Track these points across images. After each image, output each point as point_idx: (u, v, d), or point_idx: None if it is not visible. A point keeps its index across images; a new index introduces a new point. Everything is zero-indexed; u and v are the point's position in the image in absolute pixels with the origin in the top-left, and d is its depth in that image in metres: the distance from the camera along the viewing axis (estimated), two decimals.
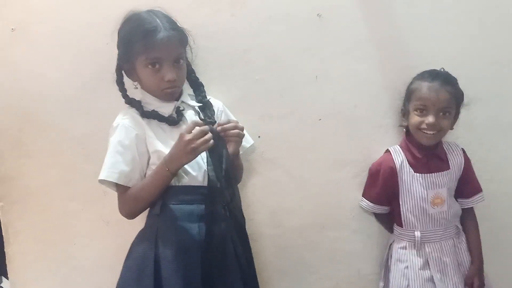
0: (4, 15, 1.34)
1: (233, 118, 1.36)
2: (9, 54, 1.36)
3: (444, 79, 1.34)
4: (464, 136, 1.49)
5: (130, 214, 1.20)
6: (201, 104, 1.30)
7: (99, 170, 1.35)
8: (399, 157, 1.40)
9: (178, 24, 1.19)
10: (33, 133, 1.39)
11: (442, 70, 1.38)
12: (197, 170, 1.20)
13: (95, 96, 1.38)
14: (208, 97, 1.33)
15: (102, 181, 1.16)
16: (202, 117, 1.26)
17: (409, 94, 1.38)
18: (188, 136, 1.10)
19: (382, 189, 1.42)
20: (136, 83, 1.23)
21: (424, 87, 1.33)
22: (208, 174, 1.18)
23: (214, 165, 1.16)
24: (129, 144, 1.17)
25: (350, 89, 1.47)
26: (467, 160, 1.43)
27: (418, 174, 1.38)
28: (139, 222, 1.24)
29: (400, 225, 1.42)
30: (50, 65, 1.37)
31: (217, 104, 1.34)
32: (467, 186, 1.43)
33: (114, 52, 1.24)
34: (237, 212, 1.21)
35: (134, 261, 1.16)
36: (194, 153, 1.11)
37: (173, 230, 1.16)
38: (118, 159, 1.16)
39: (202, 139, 1.10)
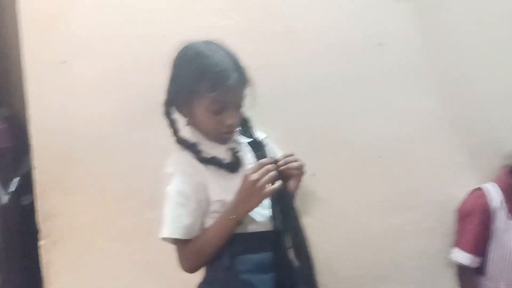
0: (53, 48, 1.33)
1: (278, 152, 1.27)
2: (56, 88, 1.34)
3: None
4: None
5: (193, 268, 1.10)
6: (251, 140, 1.21)
7: (142, 208, 1.35)
8: (496, 198, 1.24)
9: (240, 63, 1.11)
10: (76, 169, 1.36)
11: None
12: (262, 215, 1.11)
13: (138, 132, 1.34)
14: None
15: (165, 238, 1.08)
16: (256, 155, 1.17)
17: None
18: (253, 176, 1.02)
19: (479, 235, 1.25)
20: (186, 119, 1.14)
21: None
22: (272, 216, 1.10)
23: (278, 206, 1.09)
24: (190, 194, 1.07)
25: (414, 124, 1.36)
26: None
27: None
28: None
29: (483, 273, 1.26)
30: (95, 99, 1.35)
31: (261, 137, 1.25)
32: None
33: (159, 87, 1.17)
34: (304, 257, 1.10)
35: None
36: (262, 195, 1.02)
37: (248, 285, 1.06)
38: (180, 212, 1.06)
39: (267, 177, 1.02)
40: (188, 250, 1.07)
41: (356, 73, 1.34)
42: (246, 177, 1.03)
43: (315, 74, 1.34)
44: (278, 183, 1.03)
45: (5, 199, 1.44)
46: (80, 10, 1.33)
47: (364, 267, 1.36)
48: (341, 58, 1.33)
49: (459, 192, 1.34)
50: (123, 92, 1.34)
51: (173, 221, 1.05)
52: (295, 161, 1.12)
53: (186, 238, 1.06)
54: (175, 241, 1.08)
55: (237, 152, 1.15)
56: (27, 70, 1.34)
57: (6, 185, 1.46)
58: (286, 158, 1.11)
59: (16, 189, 1.47)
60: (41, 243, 1.34)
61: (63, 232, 1.34)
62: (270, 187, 1.02)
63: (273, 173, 1.03)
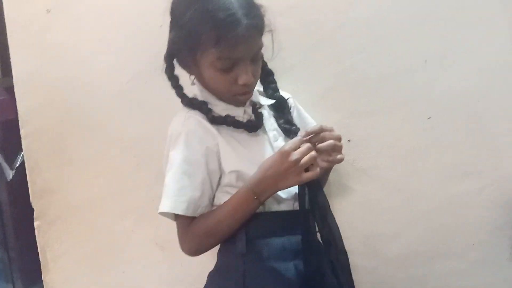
0: None
1: (308, 117, 1.09)
2: (46, 40, 1.16)
3: None
4: None
5: (198, 251, 0.95)
6: (274, 101, 1.02)
7: (152, 181, 1.17)
8: None
9: (254, 1, 0.89)
10: (75, 135, 1.20)
11: None
12: (286, 191, 0.93)
13: (150, 89, 1.15)
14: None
15: (164, 213, 0.92)
16: (280, 121, 1.00)
17: None
18: (294, 155, 0.85)
19: None
20: (192, 77, 0.96)
21: None
22: (299, 193, 0.93)
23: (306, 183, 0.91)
24: (198, 161, 0.91)
25: (476, 75, 1.12)
26: None
27: None
28: None
29: None
30: (94, 51, 1.17)
31: (285, 98, 1.07)
32: None
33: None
34: (335, 241, 0.94)
35: None
36: (299, 179, 0.87)
37: (267, 275, 0.90)
38: (185, 182, 0.90)
39: (309, 158, 0.86)
40: (193, 230, 0.92)
41: (403, 16, 1.11)
42: (284, 153, 0.86)
43: (355, 17, 1.11)
44: (318, 169, 0.88)
45: (11, 175, 1.40)
46: None
47: (412, 245, 1.18)
48: None
49: None
50: (126, 44, 1.15)
51: (176, 194, 0.90)
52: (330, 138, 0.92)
53: (191, 215, 0.91)
54: (178, 218, 0.92)
55: (259, 107, 0.97)
56: (9, 23, 1.15)
57: (11, 160, 1.41)
58: (323, 134, 0.91)
59: (21, 164, 1.38)
60: (36, 224, 1.18)
61: (61, 211, 1.21)
62: (310, 172, 0.87)
63: (314, 153, 0.87)
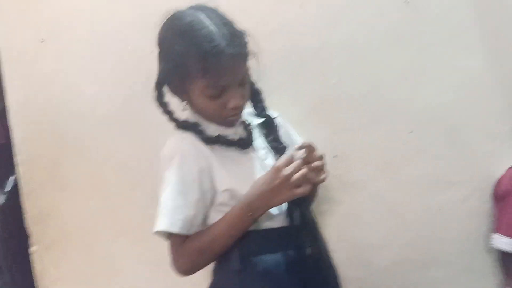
0: (31, 24, 1.17)
1: (295, 135, 1.13)
2: (39, 68, 1.19)
3: None
4: None
5: (191, 270, 0.95)
6: (263, 120, 1.05)
7: (147, 202, 1.16)
8: None
9: (237, 28, 0.93)
10: (69, 160, 1.21)
11: None
12: (278, 208, 0.95)
13: (141, 112, 1.17)
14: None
15: (159, 232, 0.93)
16: (269, 139, 1.03)
17: None
18: (287, 171, 0.88)
19: None
20: (184, 103, 0.99)
21: None
22: (288, 210, 0.95)
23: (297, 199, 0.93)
24: (192, 181, 0.92)
25: (453, 89, 1.17)
26: None
27: None
28: None
29: None
30: (85, 78, 1.19)
31: (273, 116, 1.10)
32: None
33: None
34: (323, 256, 0.97)
35: None
36: (291, 194, 0.88)
37: None
38: (180, 201, 0.91)
39: (301, 174, 0.87)
40: (187, 248, 0.93)
41: (381, 35, 1.16)
42: (277, 169, 0.88)
43: (337, 38, 1.16)
44: (309, 185, 0.90)
45: (1, 199, 1.36)
46: None
47: (400, 254, 1.21)
48: (365, 19, 1.15)
49: (506, 166, 1.17)
50: (118, 69, 1.18)
51: (172, 212, 0.91)
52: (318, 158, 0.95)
53: (186, 233, 0.92)
54: (171, 236, 0.94)
55: (249, 124, 1.00)
56: (2, 52, 1.17)
57: (1, 185, 1.37)
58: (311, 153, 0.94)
59: (12, 188, 1.36)
60: (33, 249, 1.19)
61: (57, 235, 1.21)
62: (302, 188, 0.89)
63: (306, 170, 0.89)
